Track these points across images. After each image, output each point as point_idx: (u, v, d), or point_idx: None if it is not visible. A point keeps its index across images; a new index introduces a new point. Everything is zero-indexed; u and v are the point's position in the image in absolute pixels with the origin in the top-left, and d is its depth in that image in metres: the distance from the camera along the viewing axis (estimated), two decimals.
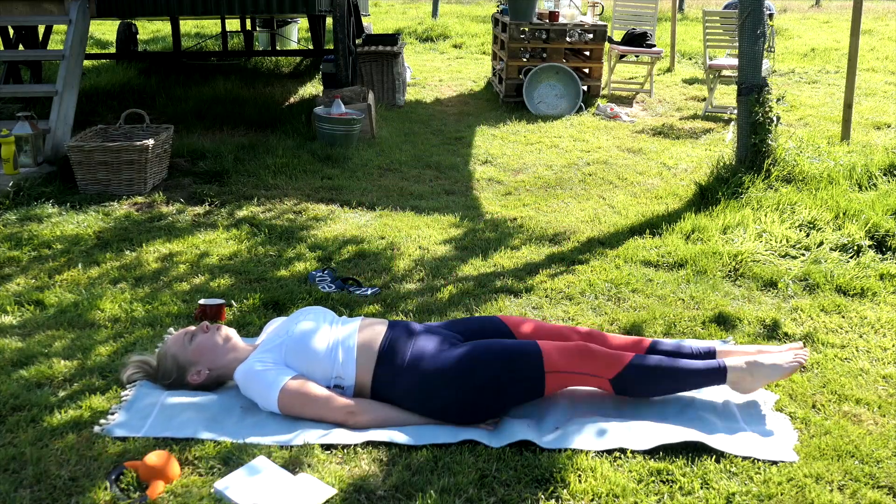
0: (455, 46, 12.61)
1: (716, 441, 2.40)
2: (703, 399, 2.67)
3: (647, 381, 2.56)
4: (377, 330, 2.64)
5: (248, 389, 2.55)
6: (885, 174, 5.12)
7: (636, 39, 8.70)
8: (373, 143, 6.22)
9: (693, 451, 2.37)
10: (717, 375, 2.60)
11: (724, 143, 6.55)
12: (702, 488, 2.22)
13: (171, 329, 3.13)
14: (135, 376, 2.69)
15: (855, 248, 4.06)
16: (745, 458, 2.34)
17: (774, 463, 2.33)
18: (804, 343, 3.10)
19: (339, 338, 2.61)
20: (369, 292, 3.51)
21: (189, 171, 5.39)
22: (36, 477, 2.21)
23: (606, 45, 8.41)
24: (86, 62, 9.00)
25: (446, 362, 2.50)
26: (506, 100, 7.99)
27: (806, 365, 2.69)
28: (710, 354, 2.72)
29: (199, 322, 2.92)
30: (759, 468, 2.31)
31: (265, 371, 2.52)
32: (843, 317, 3.37)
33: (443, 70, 10.41)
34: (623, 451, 2.37)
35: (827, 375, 2.85)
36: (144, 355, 2.77)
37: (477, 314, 3.32)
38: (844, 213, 4.42)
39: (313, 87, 8.56)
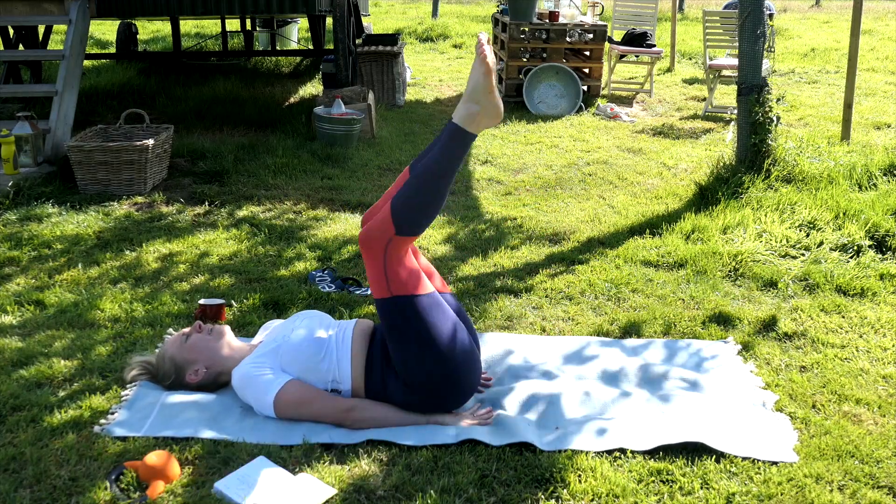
0: (455, 46, 12.61)
1: (716, 441, 2.40)
2: (704, 400, 2.67)
3: (415, 201, 2.42)
4: (367, 333, 2.64)
5: (244, 393, 2.55)
6: (885, 174, 5.12)
7: (636, 39, 8.70)
8: (373, 143, 6.22)
9: (693, 451, 2.37)
10: (455, 133, 2.47)
11: (724, 143, 6.55)
12: (702, 488, 2.22)
13: (171, 329, 3.13)
14: (138, 377, 2.69)
15: (855, 248, 4.06)
16: (745, 458, 2.34)
17: (774, 463, 2.33)
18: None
19: (334, 343, 2.60)
20: (369, 292, 3.51)
21: (189, 171, 5.39)
22: (36, 477, 2.21)
23: (606, 45, 8.41)
24: (86, 62, 9.00)
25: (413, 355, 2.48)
26: (506, 100, 7.99)
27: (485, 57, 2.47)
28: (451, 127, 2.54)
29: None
30: (759, 468, 2.31)
31: (261, 375, 2.52)
32: (843, 317, 3.37)
33: (443, 70, 10.41)
34: (623, 451, 2.37)
35: (827, 375, 2.86)
36: (147, 356, 2.77)
37: (477, 314, 3.32)
38: (844, 213, 4.42)
39: (313, 87, 8.56)
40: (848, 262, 3.93)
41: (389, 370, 2.52)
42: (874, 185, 4.99)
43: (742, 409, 2.61)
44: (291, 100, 7.88)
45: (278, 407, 2.48)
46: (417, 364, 2.44)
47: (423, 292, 2.46)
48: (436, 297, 2.49)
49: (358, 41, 7.98)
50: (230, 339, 2.74)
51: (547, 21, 7.93)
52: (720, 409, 2.61)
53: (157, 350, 2.92)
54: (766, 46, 5.13)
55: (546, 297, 3.51)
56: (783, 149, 5.14)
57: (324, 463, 2.30)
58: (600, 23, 8.11)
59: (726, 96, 8.56)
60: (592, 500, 2.17)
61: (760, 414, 2.59)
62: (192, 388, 2.66)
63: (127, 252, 3.98)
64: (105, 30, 13.09)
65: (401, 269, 2.44)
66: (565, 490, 2.20)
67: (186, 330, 2.74)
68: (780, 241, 4.15)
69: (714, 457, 2.35)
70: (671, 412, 2.58)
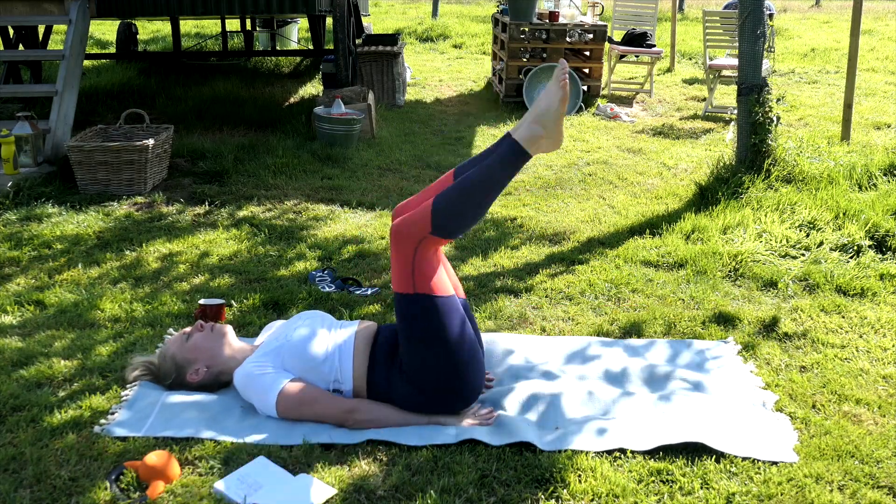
0: (455, 46, 12.60)
1: (716, 441, 2.40)
2: (704, 400, 2.67)
3: (458, 207, 2.40)
4: (370, 334, 2.65)
5: (247, 392, 2.55)
6: (885, 174, 5.12)
7: (636, 39, 8.70)
8: (373, 143, 6.22)
9: (693, 451, 2.37)
10: (514, 150, 2.44)
11: (724, 143, 6.55)
12: (702, 488, 2.22)
13: (171, 329, 3.13)
14: (139, 377, 2.69)
15: (855, 248, 4.06)
16: (745, 459, 2.34)
17: (774, 463, 2.33)
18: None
19: (336, 342, 2.61)
20: (369, 292, 3.51)
21: (189, 171, 5.39)
22: (36, 477, 2.21)
23: (606, 45, 8.40)
24: (86, 62, 9.00)
25: (418, 358, 2.48)
26: (506, 100, 7.99)
27: (567, 75, 2.46)
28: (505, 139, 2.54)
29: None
30: (759, 468, 2.31)
31: (263, 375, 2.52)
32: (843, 317, 3.37)
33: (443, 70, 10.41)
34: (623, 451, 2.37)
35: (827, 375, 2.86)
36: (149, 356, 2.77)
37: (477, 314, 3.32)
38: (844, 213, 4.42)
39: (313, 87, 8.56)
40: (848, 262, 3.93)
41: (394, 370, 2.52)
42: (874, 185, 4.99)
43: (742, 409, 2.61)
44: (291, 100, 7.88)
45: (280, 407, 2.48)
46: (428, 363, 2.44)
47: (444, 294, 2.45)
48: (454, 301, 2.49)
49: (358, 41, 7.98)
50: (231, 339, 2.75)
51: (547, 21, 7.93)
52: (720, 409, 2.61)
53: (157, 350, 2.92)
54: (766, 46, 5.13)
55: (546, 297, 3.51)
56: (783, 149, 5.14)
57: (324, 463, 2.30)
58: (600, 23, 8.11)
59: (726, 96, 8.56)
60: (592, 500, 2.17)
61: (760, 414, 2.59)
62: (193, 387, 2.67)
63: (127, 252, 3.98)
64: (105, 30, 13.09)
65: (428, 268, 2.43)
66: (565, 490, 2.20)
67: (188, 329, 2.74)
68: (780, 241, 4.15)
69: (714, 457, 2.35)
70: (671, 412, 2.58)
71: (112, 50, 10.94)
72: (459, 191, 2.43)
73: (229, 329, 2.78)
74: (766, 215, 4.44)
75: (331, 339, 2.62)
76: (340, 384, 2.56)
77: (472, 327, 2.57)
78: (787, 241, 4.15)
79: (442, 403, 2.50)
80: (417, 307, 2.43)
